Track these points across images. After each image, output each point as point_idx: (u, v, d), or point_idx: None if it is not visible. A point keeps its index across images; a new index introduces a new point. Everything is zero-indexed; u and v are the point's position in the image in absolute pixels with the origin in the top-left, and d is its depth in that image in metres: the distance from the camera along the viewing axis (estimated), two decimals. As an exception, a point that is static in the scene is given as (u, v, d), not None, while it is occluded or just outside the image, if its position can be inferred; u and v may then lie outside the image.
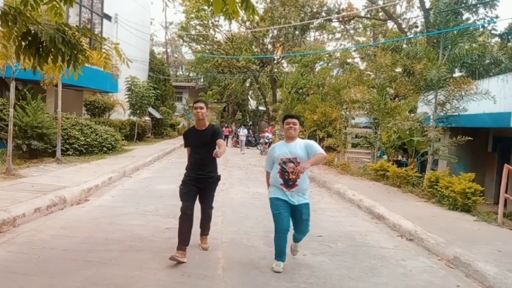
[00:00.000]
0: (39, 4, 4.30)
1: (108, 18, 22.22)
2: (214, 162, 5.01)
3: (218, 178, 5.14)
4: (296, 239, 4.85)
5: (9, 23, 3.84)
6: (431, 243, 5.64)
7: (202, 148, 4.87)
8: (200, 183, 4.89)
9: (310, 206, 4.64)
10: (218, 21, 35.73)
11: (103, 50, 5.26)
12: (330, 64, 27.43)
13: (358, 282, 4.30)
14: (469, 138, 10.00)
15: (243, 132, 24.43)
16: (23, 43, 4.09)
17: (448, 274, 4.73)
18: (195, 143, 4.97)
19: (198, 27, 37.37)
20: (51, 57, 4.21)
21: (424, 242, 5.78)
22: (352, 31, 32.62)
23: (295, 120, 4.67)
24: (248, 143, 28.26)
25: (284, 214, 4.44)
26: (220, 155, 4.53)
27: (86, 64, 5.76)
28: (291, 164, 4.45)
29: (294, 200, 4.46)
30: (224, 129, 31.06)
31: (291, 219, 4.56)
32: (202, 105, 4.92)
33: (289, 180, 4.45)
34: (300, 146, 4.54)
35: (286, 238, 4.51)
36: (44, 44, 3.98)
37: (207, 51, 38.43)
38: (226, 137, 29.91)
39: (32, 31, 3.98)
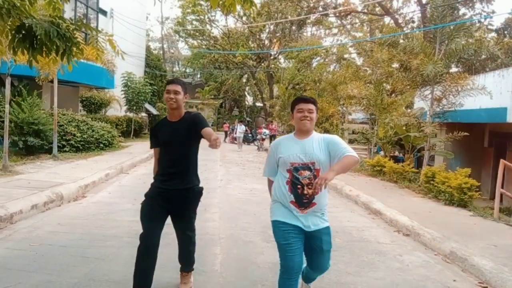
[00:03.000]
0: None
1: (104, 13, 22.10)
2: (194, 167, 3.57)
3: (199, 191, 3.59)
4: (309, 279, 3.49)
5: (3, 17, 3.81)
6: (428, 238, 5.67)
7: (175, 147, 3.42)
8: (171, 199, 3.43)
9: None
10: (214, 16, 35.71)
11: (98, 42, 5.23)
12: (327, 60, 27.47)
13: (355, 277, 4.32)
14: (466, 133, 10.04)
15: (240, 128, 24.35)
16: (17, 36, 4.06)
17: (444, 269, 4.76)
18: (166, 139, 3.46)
19: (194, 22, 37.29)
20: (45, 50, 4.18)
21: (421, 237, 5.81)
22: (348, 26, 32.59)
23: (311, 106, 3.07)
24: (245, 140, 28.28)
25: (295, 246, 2.99)
26: (217, 145, 3.03)
27: (82, 60, 5.76)
28: (307, 172, 2.97)
29: (310, 224, 3.02)
30: (224, 125, 31.07)
31: (304, 250, 3.11)
32: (179, 88, 3.41)
33: (303, 196, 2.98)
34: (319, 145, 3.04)
35: (297, 283, 3.06)
36: (39, 37, 3.95)
37: (203, 46, 38.35)
38: (225, 133, 29.91)
39: (26, 25, 3.95)
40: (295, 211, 3.02)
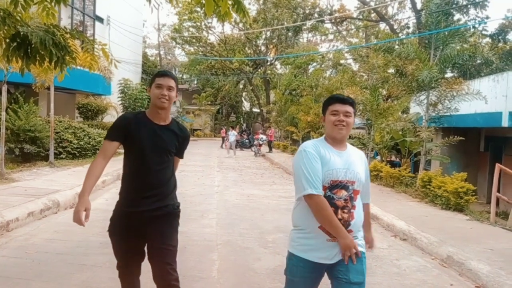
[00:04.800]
0: (30, 5, 4.29)
1: (100, 20, 22.15)
2: (173, 181, 2.90)
3: (177, 209, 2.88)
4: None
5: (-1, 25, 3.83)
6: (425, 243, 5.68)
7: (160, 156, 2.76)
8: (145, 222, 2.73)
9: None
10: (211, 22, 35.86)
11: (95, 52, 5.26)
12: (323, 66, 27.60)
13: (352, 282, 4.32)
14: (461, 138, 10.10)
15: (232, 134, 24.05)
16: (11, 44, 4.07)
17: (441, 273, 4.77)
18: (149, 144, 2.72)
19: (191, 29, 37.45)
20: (38, 59, 4.20)
21: (418, 242, 5.82)
22: (344, 33, 32.78)
23: (349, 108, 2.45)
24: (242, 145, 28.28)
25: (306, 284, 2.44)
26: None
27: (78, 67, 5.77)
28: (343, 193, 2.37)
29: (337, 252, 2.36)
30: (221, 131, 31.04)
31: (333, 282, 2.43)
32: (173, 83, 2.76)
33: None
34: (360, 161, 2.53)
35: None
36: (33, 46, 3.97)
37: (200, 53, 38.48)
38: (222, 139, 29.90)
39: (22, 33, 3.96)
40: (324, 239, 2.34)
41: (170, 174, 2.86)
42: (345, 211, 2.35)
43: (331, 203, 2.32)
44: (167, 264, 2.71)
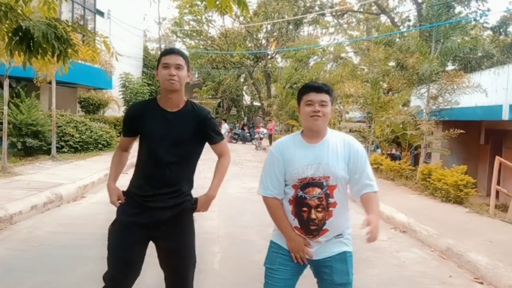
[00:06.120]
0: None
1: (101, 14, 22.09)
2: (190, 176, 2.56)
3: (193, 205, 2.52)
4: None
5: (1, 19, 3.85)
6: (424, 235, 5.73)
7: (174, 148, 2.40)
8: (156, 224, 2.40)
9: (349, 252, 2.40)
10: (211, 16, 35.68)
11: (97, 44, 5.27)
12: (324, 59, 27.51)
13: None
14: (462, 131, 10.11)
15: (223, 127, 23.91)
16: (13, 38, 4.10)
17: (440, 265, 4.83)
18: (157, 134, 2.40)
19: (191, 22, 37.29)
20: (41, 52, 4.23)
21: (417, 234, 5.87)
22: (345, 26, 32.66)
23: (325, 97, 2.24)
24: (243, 139, 28.36)
25: (279, 275, 2.36)
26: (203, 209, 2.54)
27: (80, 61, 5.80)
28: (317, 191, 2.22)
29: (319, 252, 2.31)
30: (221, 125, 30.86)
31: (318, 281, 2.38)
32: (181, 60, 2.42)
33: (310, 222, 2.25)
34: (337, 152, 2.26)
35: None
36: (35, 39, 3.99)
37: (201, 46, 38.36)
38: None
39: (24, 27, 3.99)
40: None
41: (189, 170, 2.51)
42: (319, 209, 2.22)
43: (304, 204, 2.23)
44: (179, 271, 2.51)
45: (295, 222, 2.29)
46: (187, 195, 2.49)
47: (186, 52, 44.88)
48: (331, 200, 2.23)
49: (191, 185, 2.55)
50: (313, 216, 2.22)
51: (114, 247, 2.43)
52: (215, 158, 2.67)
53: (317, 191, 2.22)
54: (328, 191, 2.22)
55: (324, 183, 2.22)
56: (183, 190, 2.46)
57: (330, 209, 2.23)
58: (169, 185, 2.41)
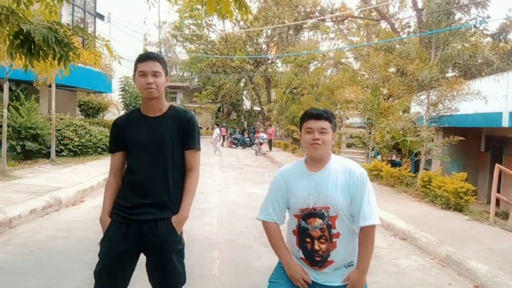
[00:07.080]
0: (32, 2, 4.33)
1: (101, 17, 22.16)
2: (178, 187, 2.43)
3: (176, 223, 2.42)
4: None
5: (2, 23, 3.85)
6: (424, 242, 5.72)
7: (157, 153, 2.37)
8: (142, 237, 2.36)
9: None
10: (212, 20, 35.81)
11: (98, 48, 5.29)
12: (324, 64, 27.60)
13: (352, 281, 4.36)
14: (462, 138, 10.12)
15: (215, 133, 23.44)
16: (15, 42, 4.10)
17: (440, 273, 4.81)
18: (138, 140, 2.40)
19: (192, 26, 37.43)
20: (42, 55, 4.23)
21: (417, 241, 5.85)
22: (345, 31, 32.77)
23: (325, 124, 2.20)
24: (243, 144, 28.41)
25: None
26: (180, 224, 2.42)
27: (80, 65, 5.80)
28: (318, 221, 2.17)
29: (329, 281, 2.23)
30: (222, 128, 30.82)
31: None
32: (158, 67, 2.36)
33: (314, 253, 2.19)
34: (337, 180, 2.18)
35: None
36: (37, 43, 4.00)
37: (201, 50, 38.48)
38: (223, 137, 29.81)
39: (25, 31, 4.00)
40: (306, 268, 2.25)
41: (176, 177, 2.41)
42: (322, 240, 2.16)
43: (306, 234, 2.18)
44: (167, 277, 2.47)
45: (300, 253, 2.23)
46: (174, 207, 2.40)
47: (186, 56, 45.04)
48: (333, 231, 2.16)
49: (178, 195, 2.43)
50: (317, 247, 2.17)
51: (102, 263, 2.43)
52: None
53: (318, 221, 2.17)
54: (329, 222, 2.16)
55: (325, 214, 2.16)
56: (170, 199, 2.39)
57: (334, 240, 2.16)
58: (154, 193, 2.36)
